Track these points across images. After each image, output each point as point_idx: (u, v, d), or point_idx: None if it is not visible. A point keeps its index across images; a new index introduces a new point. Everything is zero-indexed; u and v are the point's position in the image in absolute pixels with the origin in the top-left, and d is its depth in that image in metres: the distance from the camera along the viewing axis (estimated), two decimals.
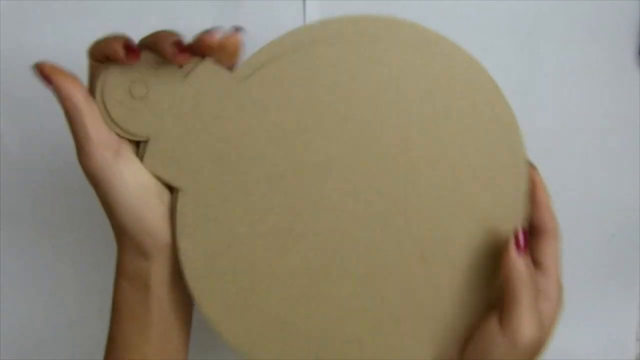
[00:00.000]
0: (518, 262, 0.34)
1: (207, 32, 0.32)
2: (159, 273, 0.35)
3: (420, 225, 0.35)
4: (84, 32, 0.49)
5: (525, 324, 0.33)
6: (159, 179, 0.34)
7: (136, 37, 0.49)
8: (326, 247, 0.35)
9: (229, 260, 0.34)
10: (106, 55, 0.34)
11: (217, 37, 0.32)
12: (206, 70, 0.33)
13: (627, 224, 0.53)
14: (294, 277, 0.35)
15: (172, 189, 0.34)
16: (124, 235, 0.34)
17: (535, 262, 0.36)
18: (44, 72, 0.34)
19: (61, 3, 0.49)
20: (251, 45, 0.51)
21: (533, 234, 0.36)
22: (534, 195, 0.36)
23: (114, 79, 0.34)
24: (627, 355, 0.55)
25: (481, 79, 0.36)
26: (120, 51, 0.32)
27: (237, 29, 0.33)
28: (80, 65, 0.50)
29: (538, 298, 0.35)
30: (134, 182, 0.33)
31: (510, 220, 0.36)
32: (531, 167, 0.37)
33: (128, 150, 0.34)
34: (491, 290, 0.37)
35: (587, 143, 0.52)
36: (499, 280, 0.35)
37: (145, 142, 0.34)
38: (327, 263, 0.35)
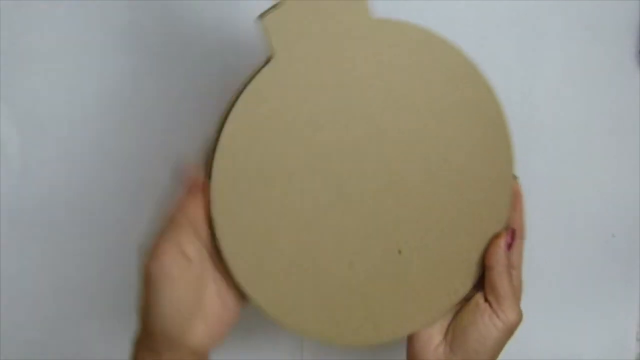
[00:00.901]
0: (505, 255, 0.40)
1: None
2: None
3: (403, 215, 0.39)
4: (84, 32, 0.49)
5: (510, 304, 0.39)
6: None
7: (136, 37, 0.50)
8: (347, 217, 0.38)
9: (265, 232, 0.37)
10: None
11: None
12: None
13: (627, 224, 0.53)
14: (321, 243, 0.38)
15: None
16: (153, 329, 0.37)
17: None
18: (185, 180, 0.37)
19: (61, 3, 0.49)
20: (251, 45, 0.51)
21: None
22: (515, 203, 0.41)
23: None
24: (627, 355, 0.55)
25: (484, 92, 0.39)
26: None
27: None
28: (80, 65, 0.50)
29: None
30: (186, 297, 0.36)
31: (493, 217, 0.40)
32: (513, 178, 0.41)
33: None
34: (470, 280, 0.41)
35: (587, 143, 0.52)
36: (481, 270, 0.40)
37: None
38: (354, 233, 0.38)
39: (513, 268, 0.41)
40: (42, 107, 0.50)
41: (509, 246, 0.40)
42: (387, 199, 0.38)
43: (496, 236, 0.40)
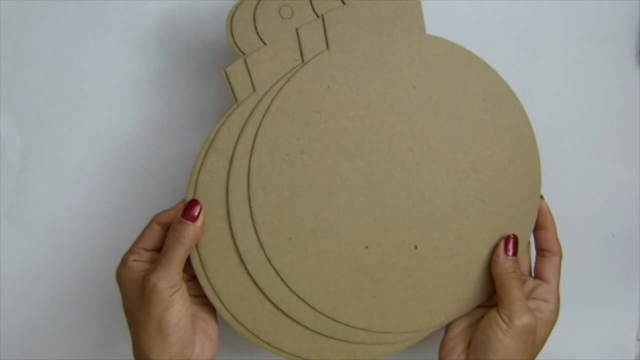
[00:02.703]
0: (506, 261, 0.40)
1: None
2: None
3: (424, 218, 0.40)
4: (84, 32, 0.49)
5: (517, 309, 0.38)
6: None
7: (136, 37, 0.50)
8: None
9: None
10: None
11: None
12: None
13: (627, 224, 0.53)
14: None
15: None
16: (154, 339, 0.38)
17: (540, 277, 0.42)
18: (190, 212, 0.39)
19: (61, 3, 0.49)
20: None
21: (540, 254, 0.43)
22: (544, 222, 0.42)
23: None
24: (627, 355, 0.55)
25: (518, 114, 0.41)
26: None
27: None
28: (79, 65, 0.50)
29: (537, 301, 0.41)
30: (182, 315, 0.38)
31: (516, 234, 0.41)
32: (540, 198, 0.42)
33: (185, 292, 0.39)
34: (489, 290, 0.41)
35: (587, 143, 0.52)
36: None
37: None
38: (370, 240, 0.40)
39: (523, 275, 0.41)
40: (42, 107, 0.50)
41: (513, 253, 0.40)
42: (412, 195, 0.39)
43: (496, 245, 0.40)
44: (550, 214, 0.42)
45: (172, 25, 0.49)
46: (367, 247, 0.39)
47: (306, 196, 0.39)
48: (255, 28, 0.39)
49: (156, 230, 0.39)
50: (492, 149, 0.40)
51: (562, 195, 0.52)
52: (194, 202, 0.38)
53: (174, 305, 0.37)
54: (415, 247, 0.39)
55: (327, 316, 0.39)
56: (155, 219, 0.40)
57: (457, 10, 0.50)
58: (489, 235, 0.40)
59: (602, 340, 0.54)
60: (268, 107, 0.39)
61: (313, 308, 0.39)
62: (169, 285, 0.37)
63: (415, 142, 0.40)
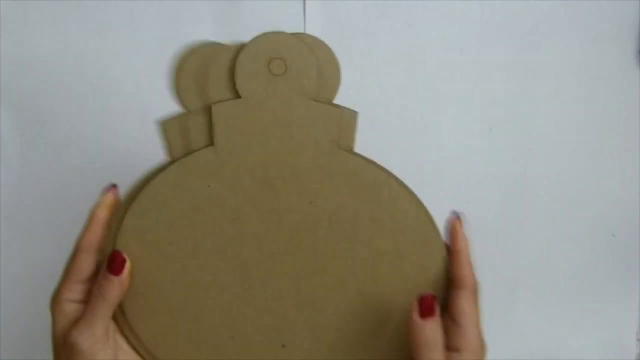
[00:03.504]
0: (424, 327, 0.33)
1: None
2: None
3: (333, 300, 0.37)
4: (84, 32, 0.50)
5: None
6: None
7: (135, 37, 0.50)
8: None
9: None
10: None
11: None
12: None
13: (627, 224, 0.53)
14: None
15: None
16: None
17: (454, 319, 0.35)
18: (113, 264, 0.36)
19: (61, 3, 0.49)
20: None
21: (452, 287, 0.35)
22: (453, 245, 0.35)
23: None
24: (627, 355, 0.55)
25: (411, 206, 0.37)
26: None
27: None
28: (79, 65, 0.50)
29: (452, 355, 0.34)
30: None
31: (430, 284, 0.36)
32: (454, 217, 0.36)
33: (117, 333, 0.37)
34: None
35: (587, 143, 0.52)
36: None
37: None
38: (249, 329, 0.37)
39: (453, 328, 0.34)
40: (42, 107, 0.50)
41: (430, 312, 0.33)
42: (287, 303, 0.37)
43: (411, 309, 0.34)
44: (461, 235, 0.35)
45: (172, 25, 0.49)
46: (232, 337, 0.37)
47: (173, 283, 0.37)
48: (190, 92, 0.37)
49: (83, 259, 0.37)
50: (388, 277, 0.37)
51: (562, 195, 0.52)
52: (115, 254, 0.36)
53: None
54: (283, 345, 0.38)
55: None
56: (78, 247, 0.37)
57: (457, 10, 0.50)
58: (366, 342, 0.37)
59: (602, 340, 0.54)
60: (142, 189, 0.37)
61: None
62: (91, 342, 0.35)
63: (301, 256, 0.37)
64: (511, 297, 0.54)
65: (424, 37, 0.50)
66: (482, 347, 0.34)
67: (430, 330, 0.33)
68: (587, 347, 0.54)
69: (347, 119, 0.36)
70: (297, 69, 0.35)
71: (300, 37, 0.35)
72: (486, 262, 0.54)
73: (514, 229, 0.53)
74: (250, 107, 0.35)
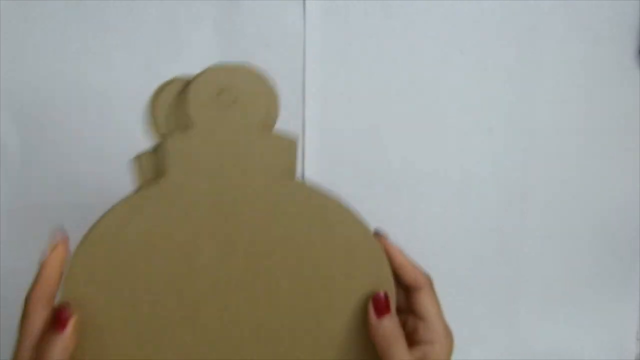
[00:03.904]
0: (381, 325, 0.35)
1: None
2: None
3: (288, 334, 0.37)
4: (84, 32, 0.50)
5: None
6: None
7: (135, 37, 0.50)
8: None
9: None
10: None
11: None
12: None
13: (627, 224, 0.53)
14: None
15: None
16: None
17: (418, 315, 0.37)
18: (58, 319, 0.34)
19: (61, 3, 0.49)
20: (252, 45, 0.51)
21: (410, 291, 0.37)
22: (392, 261, 0.36)
23: None
24: (627, 355, 0.55)
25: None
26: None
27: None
28: (79, 65, 0.50)
29: (421, 347, 0.36)
30: None
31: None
32: (380, 236, 0.37)
33: None
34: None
35: (587, 143, 0.52)
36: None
37: None
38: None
39: (420, 324, 0.36)
40: (42, 107, 0.50)
41: (385, 308, 0.35)
42: (240, 327, 0.37)
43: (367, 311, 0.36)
44: (394, 249, 0.37)
45: (173, 25, 0.49)
46: None
47: (125, 322, 0.36)
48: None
49: (33, 316, 0.36)
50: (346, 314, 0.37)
51: (562, 195, 0.52)
52: (60, 309, 0.34)
53: None
54: None
55: None
56: (28, 303, 0.36)
57: (457, 10, 0.50)
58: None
59: (602, 340, 0.55)
60: (91, 229, 0.36)
61: None
62: None
63: (256, 285, 0.36)
64: (511, 297, 0.54)
65: (424, 37, 0.50)
66: (449, 335, 0.37)
67: (388, 325, 0.35)
68: (587, 347, 0.54)
69: (292, 146, 0.36)
70: (246, 99, 0.35)
71: (246, 68, 0.35)
72: (486, 262, 0.54)
73: (513, 230, 0.53)
74: (201, 138, 0.35)
